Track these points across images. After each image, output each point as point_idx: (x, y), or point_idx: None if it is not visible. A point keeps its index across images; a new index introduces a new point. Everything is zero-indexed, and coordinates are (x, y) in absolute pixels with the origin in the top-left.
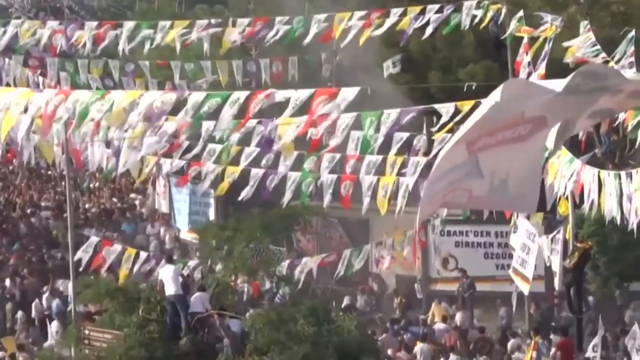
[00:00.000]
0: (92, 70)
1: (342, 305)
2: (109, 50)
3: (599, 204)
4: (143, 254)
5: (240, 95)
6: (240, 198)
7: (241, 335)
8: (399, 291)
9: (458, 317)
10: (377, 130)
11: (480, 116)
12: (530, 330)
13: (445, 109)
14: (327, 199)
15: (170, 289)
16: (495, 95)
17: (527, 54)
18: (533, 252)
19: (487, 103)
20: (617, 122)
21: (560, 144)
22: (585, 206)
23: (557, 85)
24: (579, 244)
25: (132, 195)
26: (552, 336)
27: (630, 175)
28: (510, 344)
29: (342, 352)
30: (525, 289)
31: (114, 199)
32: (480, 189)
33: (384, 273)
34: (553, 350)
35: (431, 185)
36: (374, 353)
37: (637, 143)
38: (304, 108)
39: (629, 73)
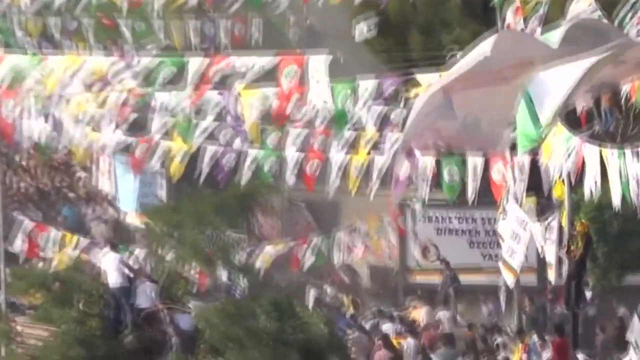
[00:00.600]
0: (29, 27)
1: (309, 299)
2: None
3: (601, 187)
4: (83, 241)
5: (196, 61)
6: (195, 177)
7: (193, 332)
8: (354, 288)
9: (440, 315)
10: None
11: (465, 69)
12: (523, 329)
13: (427, 77)
14: (291, 179)
15: (114, 280)
16: (485, 48)
17: (519, 17)
18: (524, 241)
19: (474, 55)
20: (623, 96)
21: (556, 119)
22: (584, 189)
23: (554, 36)
24: (577, 228)
25: (77, 174)
26: (547, 337)
27: (637, 154)
28: (496, 343)
29: (308, 351)
30: (510, 280)
31: (51, 179)
32: (450, 128)
33: (355, 263)
34: (549, 353)
35: (411, 130)
36: (343, 352)
37: None
38: (269, 77)
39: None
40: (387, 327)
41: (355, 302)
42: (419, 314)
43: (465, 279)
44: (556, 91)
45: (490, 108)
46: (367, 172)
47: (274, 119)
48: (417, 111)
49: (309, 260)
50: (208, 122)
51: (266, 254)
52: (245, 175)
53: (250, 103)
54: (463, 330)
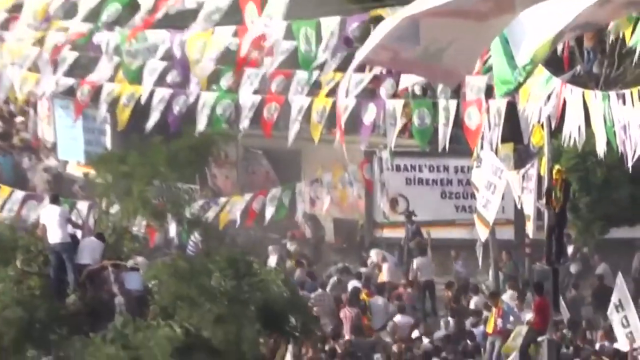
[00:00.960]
0: None
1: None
2: None
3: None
4: (20, 193)
5: None
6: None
7: (141, 292)
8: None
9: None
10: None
11: (440, 3)
12: (497, 292)
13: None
14: (246, 124)
15: (55, 236)
16: None
17: None
18: (499, 191)
19: None
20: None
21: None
22: (565, 135)
23: None
24: (554, 177)
25: (14, 119)
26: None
27: (622, 97)
28: (473, 302)
29: (267, 311)
30: (483, 234)
31: None
32: (410, 52)
33: (319, 216)
34: (529, 314)
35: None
36: (305, 312)
37: (634, 58)
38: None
39: None
40: (353, 284)
41: (300, 263)
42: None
43: (437, 233)
44: (535, 32)
45: (458, 42)
46: (330, 117)
47: (232, 61)
48: (378, 32)
49: (268, 213)
50: (156, 62)
51: (221, 207)
52: (198, 120)
53: (199, 45)
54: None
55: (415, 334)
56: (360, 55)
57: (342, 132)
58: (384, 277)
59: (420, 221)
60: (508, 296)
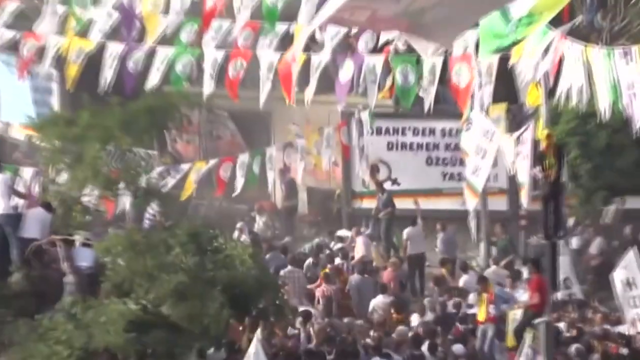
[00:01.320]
0: None
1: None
2: None
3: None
4: None
5: None
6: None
7: (93, 269)
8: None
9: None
10: None
11: None
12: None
13: None
14: (210, 83)
15: None
16: None
17: None
18: (490, 156)
19: None
20: None
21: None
22: (560, 92)
23: None
24: (543, 141)
25: None
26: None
27: (628, 54)
28: (462, 280)
29: (234, 290)
30: (471, 204)
31: None
32: (388, 9)
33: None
34: (525, 295)
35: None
36: (275, 292)
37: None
38: None
39: None
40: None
41: (256, 242)
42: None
43: (423, 203)
44: None
45: (443, 5)
46: (303, 74)
47: (193, 12)
48: None
49: (239, 182)
50: (108, 13)
51: (182, 175)
52: (151, 77)
53: None
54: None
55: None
56: (326, 12)
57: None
58: (358, 252)
59: (404, 190)
60: (491, 271)
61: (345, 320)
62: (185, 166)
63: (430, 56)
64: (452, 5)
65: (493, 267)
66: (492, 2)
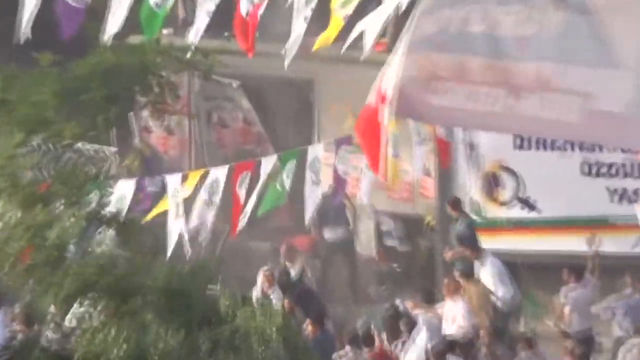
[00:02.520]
0: None
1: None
2: None
3: None
4: None
5: None
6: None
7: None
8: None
9: None
10: None
11: None
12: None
13: None
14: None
15: None
16: None
17: None
18: None
19: None
20: None
21: None
22: None
23: None
24: None
25: None
26: None
27: None
28: None
29: None
30: None
31: None
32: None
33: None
34: None
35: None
36: None
37: None
38: None
39: None
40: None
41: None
42: None
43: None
44: None
45: None
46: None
47: None
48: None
49: (248, 205)
50: None
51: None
52: (114, 19)
53: None
54: None
55: None
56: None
57: None
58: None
59: (542, 219)
60: None
61: None
62: (168, 177)
63: None
64: None
65: None
66: None
